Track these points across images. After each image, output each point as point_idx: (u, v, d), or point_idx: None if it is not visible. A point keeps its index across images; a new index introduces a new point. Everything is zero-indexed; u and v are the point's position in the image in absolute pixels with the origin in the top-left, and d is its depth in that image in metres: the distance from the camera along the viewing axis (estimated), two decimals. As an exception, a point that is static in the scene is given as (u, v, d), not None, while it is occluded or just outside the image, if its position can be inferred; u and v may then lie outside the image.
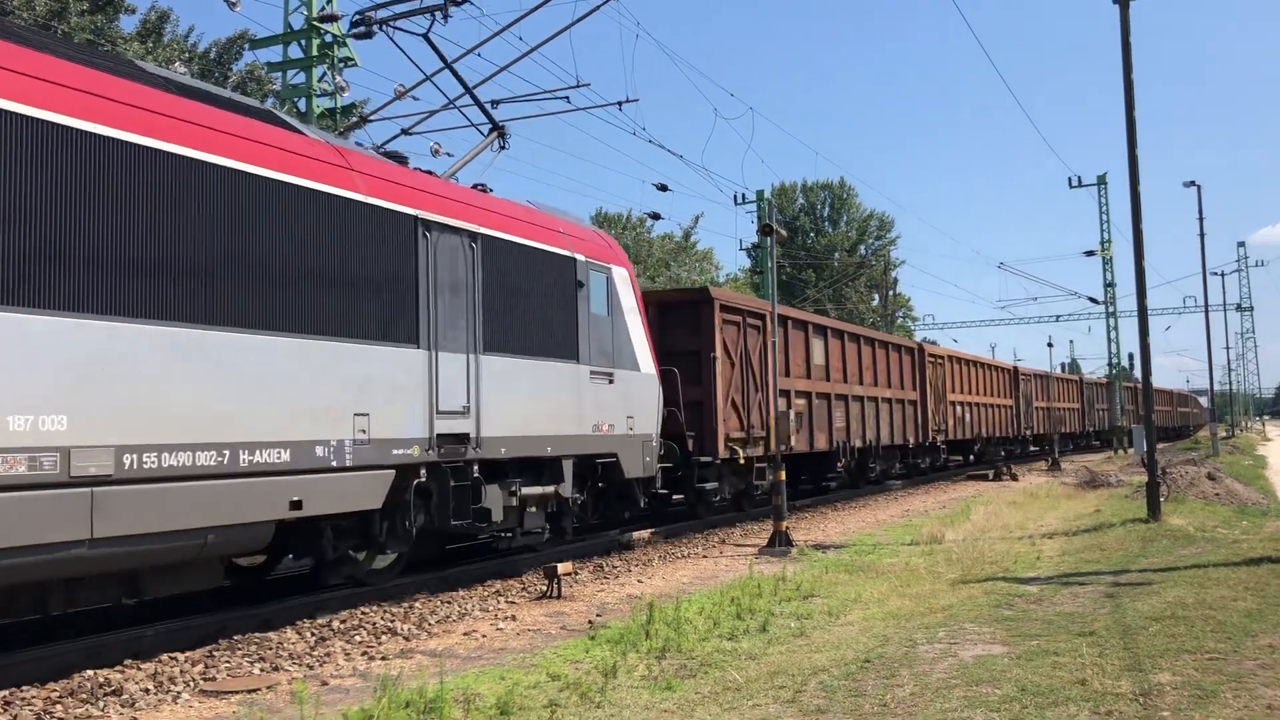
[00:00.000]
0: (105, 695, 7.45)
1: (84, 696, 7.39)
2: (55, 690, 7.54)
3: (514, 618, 10.49)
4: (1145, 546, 14.57)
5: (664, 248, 64.19)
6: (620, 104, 20.88)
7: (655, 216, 35.29)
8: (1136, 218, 19.15)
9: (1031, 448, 44.05)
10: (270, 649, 8.94)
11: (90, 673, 7.96)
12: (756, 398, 19.58)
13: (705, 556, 15.23)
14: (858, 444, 24.98)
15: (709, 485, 18.22)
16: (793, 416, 20.61)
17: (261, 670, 8.35)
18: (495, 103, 21.26)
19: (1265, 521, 19.67)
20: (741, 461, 18.63)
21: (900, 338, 32.93)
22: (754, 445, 19.28)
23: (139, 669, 8.15)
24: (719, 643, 8.87)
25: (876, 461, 26.96)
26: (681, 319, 18.43)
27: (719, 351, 18.26)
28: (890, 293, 76.53)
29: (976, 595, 10.84)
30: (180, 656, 8.56)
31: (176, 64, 27.24)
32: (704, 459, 17.76)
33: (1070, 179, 54.34)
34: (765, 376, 19.64)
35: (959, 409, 33.85)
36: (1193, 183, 52.70)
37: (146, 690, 7.59)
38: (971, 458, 37.95)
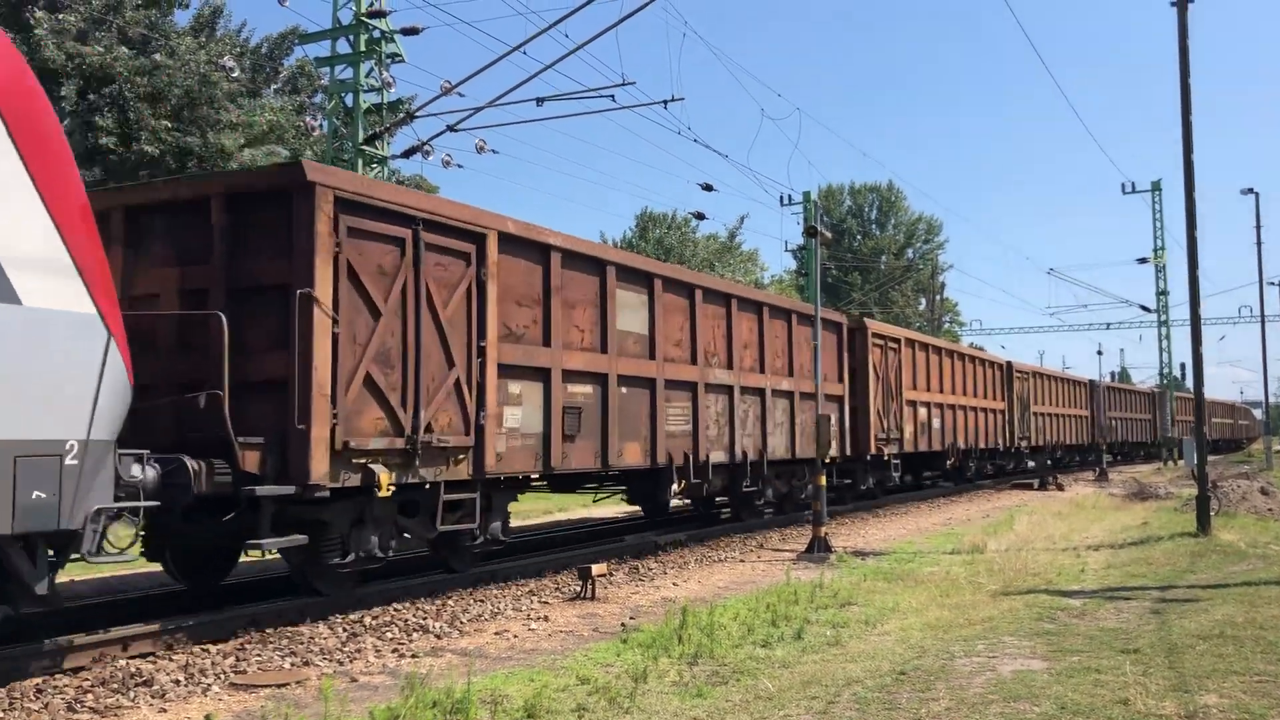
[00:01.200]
0: (136, 685, 7.47)
1: (115, 686, 7.42)
2: (88, 679, 7.58)
3: (546, 618, 10.42)
4: (1194, 562, 14.23)
5: (709, 248, 64.04)
6: (665, 103, 20.82)
7: (700, 216, 35.10)
8: (1191, 225, 18.75)
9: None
10: (302, 643, 8.94)
11: (122, 662, 8.00)
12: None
13: (742, 561, 15.09)
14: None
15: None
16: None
17: (292, 665, 8.34)
18: (541, 100, 21.29)
19: (1319, 538, 19.15)
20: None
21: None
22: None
23: (170, 660, 8.18)
24: (752, 650, 8.74)
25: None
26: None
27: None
28: (938, 297, 75.82)
29: (1017, 607, 10.62)
30: (212, 648, 8.59)
31: (227, 58, 27.54)
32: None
33: (1124, 185, 53.54)
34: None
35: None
36: (1251, 190, 51.77)
37: (177, 681, 7.60)
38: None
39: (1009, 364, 33.93)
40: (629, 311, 14.29)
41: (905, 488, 26.97)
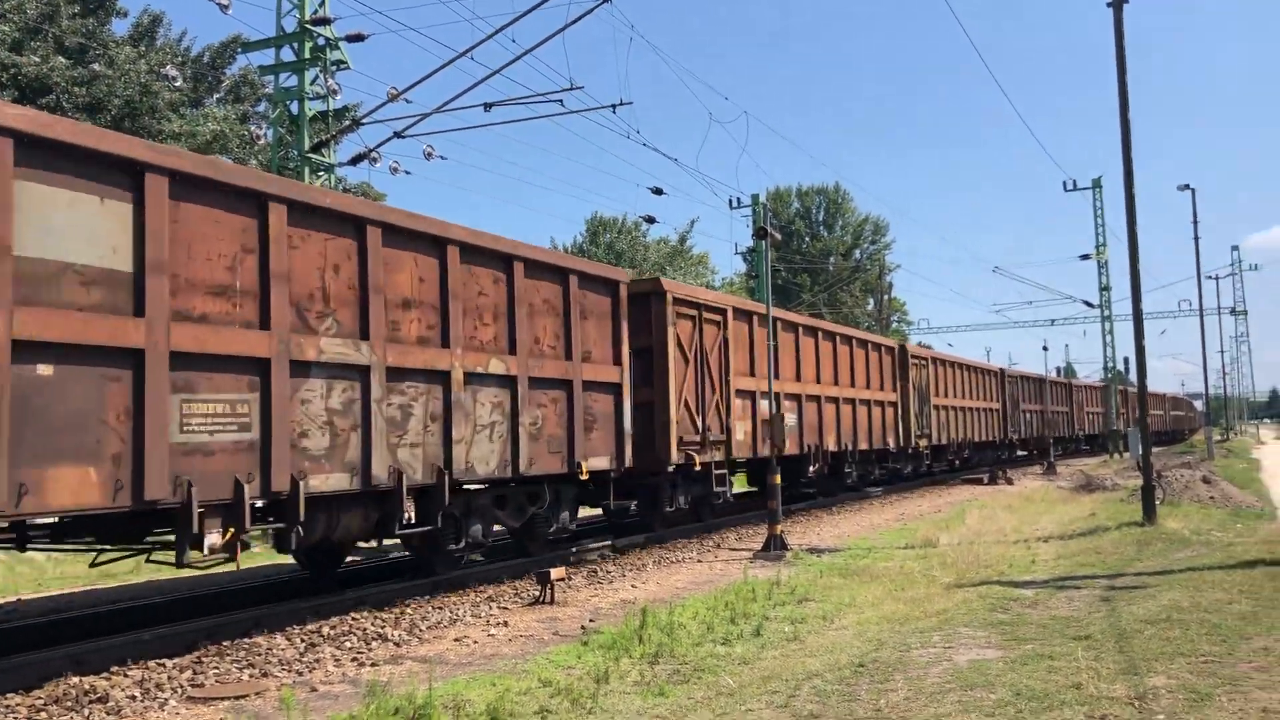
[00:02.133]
0: (91, 702, 7.37)
1: (69, 704, 7.32)
2: (40, 697, 7.46)
3: (506, 623, 10.41)
4: (1140, 550, 14.53)
5: (660, 251, 64.24)
6: (614, 107, 20.87)
7: (650, 220, 35.35)
8: (1131, 222, 19.14)
9: (1019, 453, 43.42)
10: (259, 655, 8.86)
11: (76, 679, 7.88)
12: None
13: (700, 561, 15.16)
14: (832, 448, 23.25)
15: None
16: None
17: (250, 676, 8.27)
18: (489, 105, 21.27)
19: (1259, 524, 19.63)
20: (698, 468, 16.89)
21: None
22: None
23: (126, 675, 8.07)
24: (712, 647, 8.80)
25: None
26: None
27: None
28: (885, 297, 76.60)
29: (971, 599, 10.79)
30: (168, 663, 8.48)
31: (168, 67, 27.20)
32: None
33: (1065, 182, 54.33)
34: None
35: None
36: (1187, 186, 52.89)
37: (133, 697, 7.51)
38: (957, 463, 35.76)
39: (902, 347, 29.38)
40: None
41: (734, 507, 20.42)
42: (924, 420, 30.06)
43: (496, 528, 13.48)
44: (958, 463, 35.74)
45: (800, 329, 22.13)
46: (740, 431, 18.80)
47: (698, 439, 17.26)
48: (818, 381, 22.72)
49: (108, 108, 28.95)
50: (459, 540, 12.46)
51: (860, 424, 25.11)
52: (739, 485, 23.55)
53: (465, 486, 12.33)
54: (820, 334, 23.16)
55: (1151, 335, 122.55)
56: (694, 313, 17.52)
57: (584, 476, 14.20)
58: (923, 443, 29.85)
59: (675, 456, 16.48)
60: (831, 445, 23.26)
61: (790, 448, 20.87)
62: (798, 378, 21.65)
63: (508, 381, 12.78)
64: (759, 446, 19.28)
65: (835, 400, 23.59)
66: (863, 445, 25.28)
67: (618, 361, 15.16)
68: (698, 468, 17.17)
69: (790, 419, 20.97)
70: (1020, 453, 43.30)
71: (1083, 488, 28.51)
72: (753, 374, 19.35)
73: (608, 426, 14.85)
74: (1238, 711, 6.19)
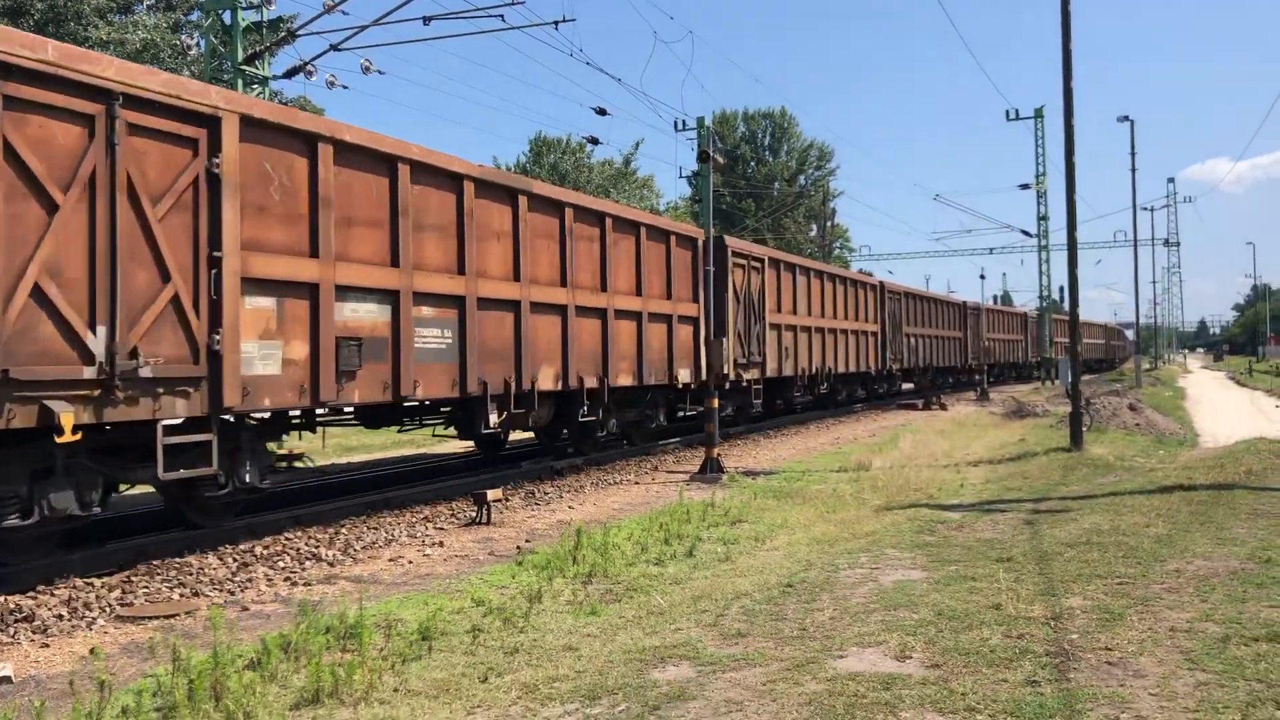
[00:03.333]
0: (17, 621, 7.30)
1: (-6, 623, 7.24)
2: (-36, 616, 7.37)
3: (442, 544, 10.46)
4: (1066, 475, 14.92)
5: (604, 174, 63.64)
6: (557, 23, 20.48)
7: (594, 141, 34.74)
8: (1070, 152, 19.30)
9: (905, 385, 43.80)
10: (191, 574, 8.83)
11: (1, 599, 7.79)
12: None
13: (637, 483, 15.30)
14: (833, 370, 28.37)
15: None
16: (786, 346, 24.47)
17: (181, 596, 8.24)
18: (429, 19, 20.76)
19: (1180, 451, 20.25)
20: (743, 384, 19.54)
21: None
22: (753, 369, 21.51)
23: (53, 595, 8.00)
24: (645, 568, 8.92)
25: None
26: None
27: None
28: (828, 223, 76.83)
29: (900, 522, 11.03)
30: (97, 583, 8.42)
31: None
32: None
33: (1008, 112, 54.53)
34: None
35: (912, 340, 37.06)
36: (1126, 118, 53.42)
37: (60, 616, 7.45)
38: (920, 385, 41.36)
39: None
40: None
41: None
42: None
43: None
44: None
45: (796, 269, 25.70)
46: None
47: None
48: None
49: (30, 12, 27.79)
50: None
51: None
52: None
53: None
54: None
55: (1086, 265, 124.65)
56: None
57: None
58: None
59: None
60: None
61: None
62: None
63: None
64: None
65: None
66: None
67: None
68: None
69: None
70: (977, 376, 44.82)
71: (1014, 414, 29.12)
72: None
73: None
74: (1147, 630, 6.42)
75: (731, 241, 21.25)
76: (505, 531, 11.20)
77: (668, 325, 18.32)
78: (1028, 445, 19.45)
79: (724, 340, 20.11)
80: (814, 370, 26.31)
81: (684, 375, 18.79)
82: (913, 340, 36.55)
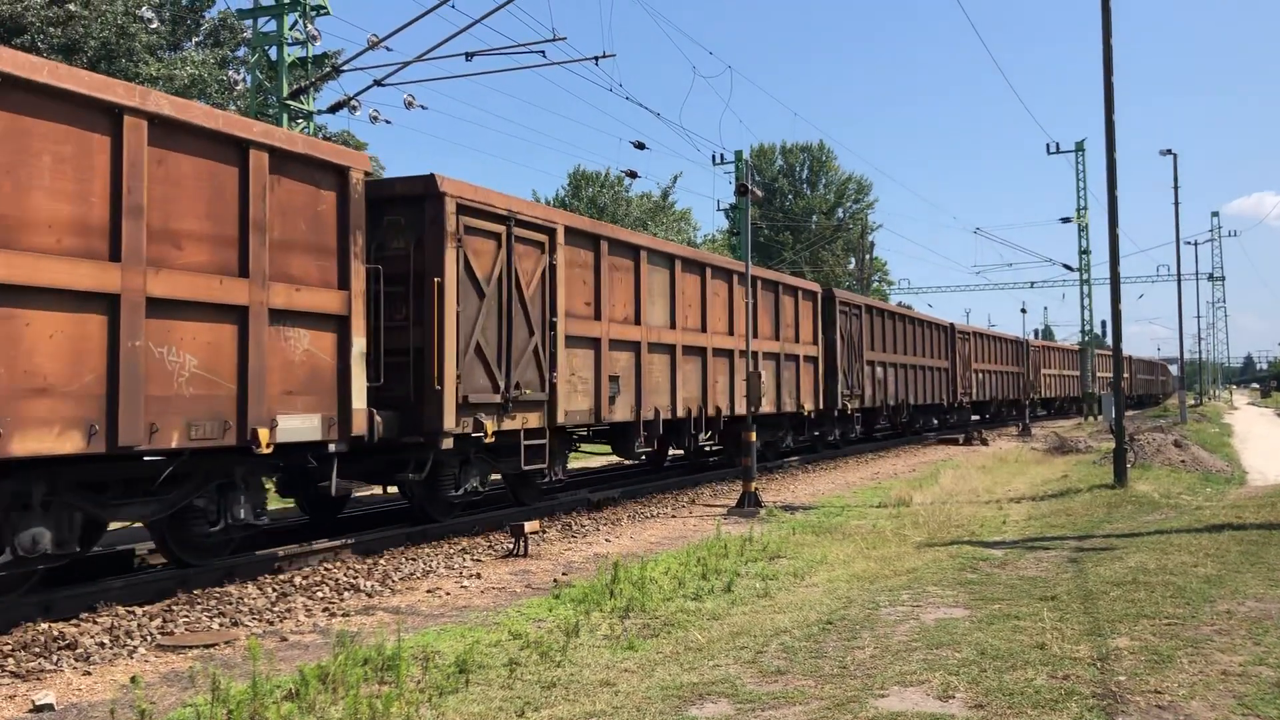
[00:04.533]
0: (59, 649, 7.36)
1: (37, 650, 7.30)
2: (8, 643, 7.44)
3: (479, 575, 10.45)
4: (1110, 512, 14.68)
5: (642, 207, 63.90)
6: (597, 59, 20.66)
7: (632, 175, 35.01)
8: (1112, 186, 19.14)
9: (973, 416, 42.77)
10: (230, 604, 8.87)
11: (45, 626, 7.86)
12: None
13: (674, 516, 15.23)
14: (912, 402, 31.00)
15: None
16: (878, 379, 27.52)
17: (221, 625, 8.28)
18: (470, 55, 21.02)
19: (1228, 489, 19.88)
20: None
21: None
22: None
23: (95, 623, 8.06)
24: (683, 603, 8.85)
25: (919, 417, 29.13)
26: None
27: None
28: (867, 256, 76.54)
29: (941, 558, 10.89)
30: (138, 610, 8.47)
31: (145, 9, 26.71)
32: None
33: (1048, 145, 54.29)
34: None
35: (979, 375, 39.35)
36: (1169, 151, 52.90)
37: (102, 644, 7.50)
38: (987, 416, 43.21)
39: (952, 325, 36.33)
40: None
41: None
42: (966, 381, 37.35)
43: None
44: (988, 416, 42.91)
45: (885, 314, 29.31)
46: (867, 389, 27.08)
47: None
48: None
49: (84, 49, 28.42)
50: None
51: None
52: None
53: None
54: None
55: (1129, 300, 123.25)
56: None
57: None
58: (965, 399, 37.50)
59: (839, 403, 24.87)
60: (912, 400, 31.02)
61: (890, 400, 29.04)
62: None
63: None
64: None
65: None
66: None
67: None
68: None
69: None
70: (1041, 411, 44.68)
71: (1056, 449, 28.75)
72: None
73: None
74: (1198, 674, 6.27)
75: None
76: (542, 564, 11.17)
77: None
78: (1070, 482, 19.16)
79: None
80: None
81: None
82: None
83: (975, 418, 42.70)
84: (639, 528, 14.04)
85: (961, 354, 37.05)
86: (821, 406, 23.95)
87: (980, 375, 39.91)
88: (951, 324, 36.65)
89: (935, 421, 36.66)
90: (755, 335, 19.53)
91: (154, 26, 27.60)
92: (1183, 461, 25.61)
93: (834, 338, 24.56)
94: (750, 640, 7.41)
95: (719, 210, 66.90)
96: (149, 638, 7.78)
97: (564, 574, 10.50)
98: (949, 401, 35.79)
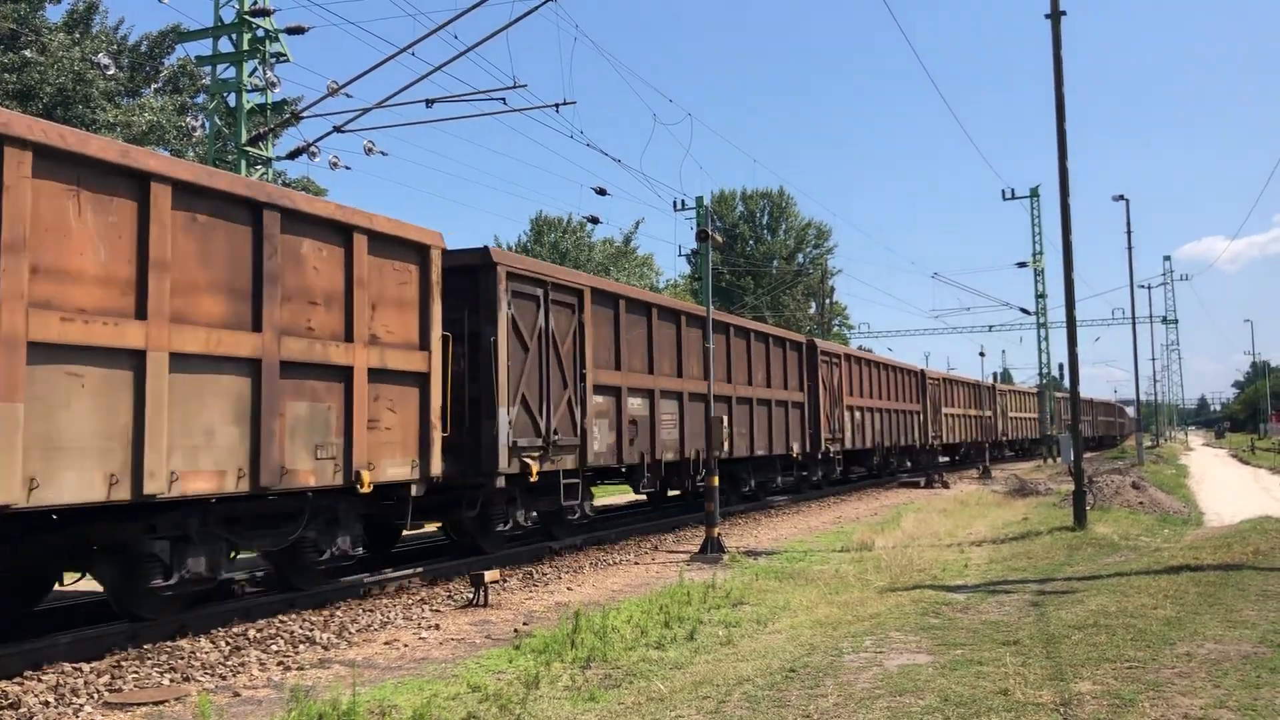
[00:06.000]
0: (2, 708, 7.12)
1: (-22, 710, 7.07)
2: (-52, 703, 7.20)
3: (438, 626, 10.28)
4: (1070, 555, 14.74)
5: (604, 252, 64.12)
6: (558, 106, 20.79)
7: (594, 221, 35.10)
8: (1066, 231, 19.44)
9: (942, 458, 44.84)
10: (182, 658, 8.65)
11: (-13, 685, 7.62)
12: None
13: (637, 563, 15.12)
14: (886, 444, 32.46)
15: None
16: (857, 423, 29.33)
17: (171, 681, 8.06)
18: (431, 101, 21.07)
19: (1185, 530, 20.05)
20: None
21: (908, 364, 36.85)
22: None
23: (39, 680, 7.83)
24: (645, 652, 8.75)
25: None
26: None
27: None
28: (827, 301, 77.15)
29: (904, 603, 10.85)
30: (85, 667, 8.24)
31: (102, 55, 26.61)
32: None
33: (1004, 191, 55.19)
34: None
35: (949, 419, 40.57)
36: (1121, 197, 53.97)
37: (46, 703, 7.28)
38: (955, 458, 44.67)
39: (923, 371, 38.02)
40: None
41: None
42: (937, 425, 38.61)
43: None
44: (955, 457, 44.24)
45: (861, 361, 31.03)
46: (847, 432, 28.84)
47: (830, 436, 27.55)
48: (876, 397, 31.48)
49: (39, 95, 28.23)
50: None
51: (900, 427, 33.94)
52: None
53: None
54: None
55: (1086, 342, 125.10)
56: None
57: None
58: (936, 441, 38.71)
59: (822, 446, 26.87)
60: (887, 443, 32.34)
61: (868, 443, 30.57)
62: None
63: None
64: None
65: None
66: (900, 443, 33.97)
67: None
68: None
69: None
70: (943, 458, 45.02)
71: (1016, 492, 28.92)
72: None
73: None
74: (1160, 717, 6.27)
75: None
76: (503, 614, 11.02)
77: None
78: (1031, 524, 19.25)
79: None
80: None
81: (795, 447, 24.87)
82: (950, 419, 41.30)
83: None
84: (601, 575, 13.91)
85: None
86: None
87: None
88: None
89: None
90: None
91: (111, 73, 27.45)
92: (1141, 503, 25.86)
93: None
94: (713, 689, 7.32)
95: (681, 255, 67.24)
96: (96, 695, 7.56)
97: (525, 624, 10.36)
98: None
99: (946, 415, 40.70)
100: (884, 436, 32.57)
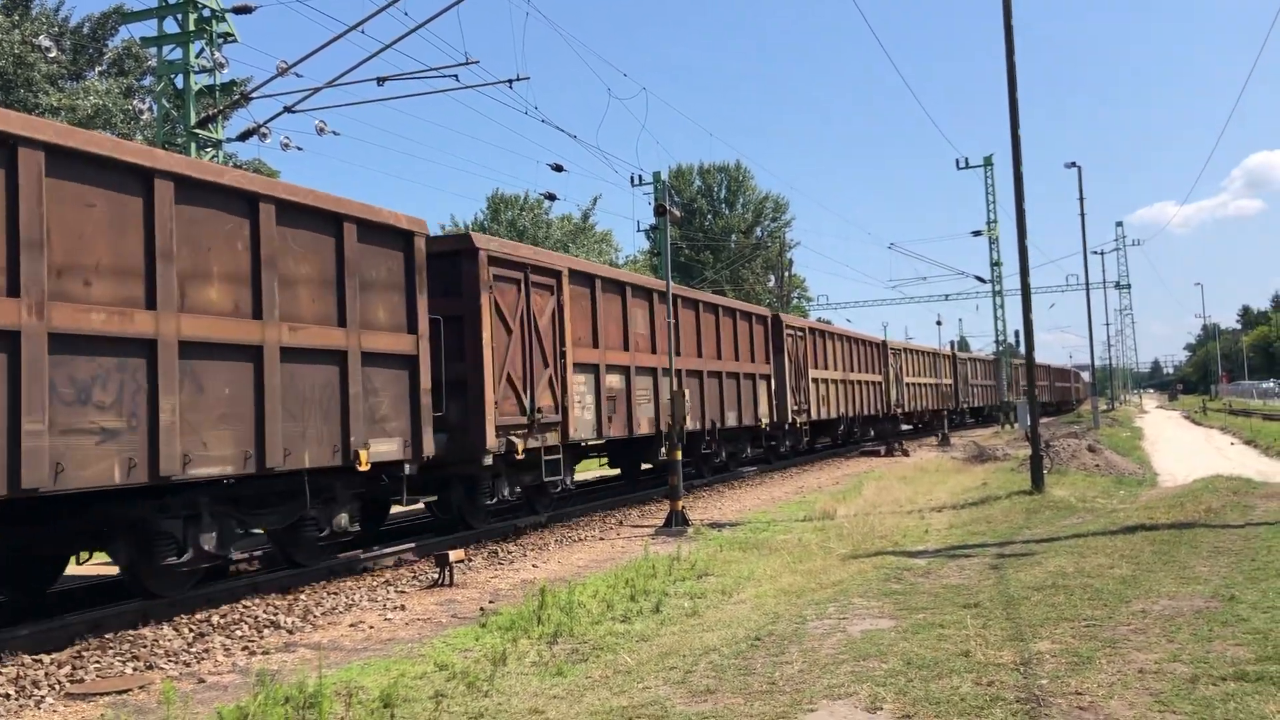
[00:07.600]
0: (-39, 702, 7.04)
1: (-62, 705, 6.98)
2: (-94, 699, 7.10)
3: (403, 607, 10.27)
4: (1029, 518, 14.96)
5: (563, 229, 63.87)
6: (510, 82, 20.61)
7: (551, 198, 34.88)
8: (1020, 199, 19.62)
9: (904, 426, 45.39)
10: (145, 646, 8.58)
11: (-55, 679, 7.53)
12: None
13: (602, 539, 15.16)
14: (851, 415, 32.94)
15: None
16: (822, 395, 29.65)
17: (135, 669, 8.00)
18: (382, 79, 20.84)
19: (1140, 491, 20.42)
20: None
21: (869, 335, 37.28)
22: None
23: None
24: (612, 625, 8.80)
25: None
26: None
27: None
28: (786, 274, 77.46)
29: (866, 570, 10.98)
30: (46, 658, 8.15)
31: (43, 38, 26.03)
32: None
33: (958, 160, 55.56)
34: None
35: (910, 389, 40.95)
36: (1074, 164, 54.50)
37: (6, 695, 7.20)
38: (918, 425, 45.24)
39: (884, 342, 38.67)
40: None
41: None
42: (899, 394, 38.92)
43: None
44: (919, 425, 44.75)
45: (825, 334, 31.55)
46: (813, 404, 29.30)
47: (796, 408, 27.87)
48: (842, 369, 32.19)
49: (-21, 79, 27.59)
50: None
51: (863, 398, 34.58)
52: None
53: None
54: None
55: (1040, 309, 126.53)
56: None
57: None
58: (899, 410, 39.06)
59: (789, 418, 27.25)
60: (851, 413, 32.98)
61: (833, 413, 31.24)
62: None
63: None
64: (820, 412, 29.94)
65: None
66: (864, 413, 34.63)
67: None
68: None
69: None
70: (905, 427, 45.53)
71: (975, 458, 29.28)
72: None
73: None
74: (1116, 673, 6.40)
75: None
76: (468, 593, 11.02)
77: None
78: (990, 489, 19.51)
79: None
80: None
81: (764, 419, 25.49)
82: (911, 388, 41.86)
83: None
84: (566, 552, 13.94)
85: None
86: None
87: (911, 388, 42.08)
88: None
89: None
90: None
91: (53, 56, 26.87)
92: (1097, 466, 26.27)
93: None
94: (679, 660, 7.37)
95: (639, 231, 67.14)
96: (57, 686, 7.49)
97: (490, 602, 10.37)
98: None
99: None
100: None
